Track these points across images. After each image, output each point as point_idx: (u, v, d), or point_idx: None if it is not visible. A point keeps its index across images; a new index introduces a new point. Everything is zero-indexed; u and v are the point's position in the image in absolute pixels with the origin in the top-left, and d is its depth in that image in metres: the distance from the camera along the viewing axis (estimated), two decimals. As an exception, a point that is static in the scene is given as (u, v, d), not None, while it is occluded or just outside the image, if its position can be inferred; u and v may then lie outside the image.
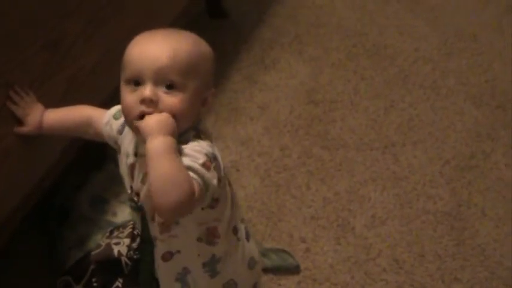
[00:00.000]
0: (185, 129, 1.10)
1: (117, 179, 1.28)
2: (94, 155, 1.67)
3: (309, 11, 2.61)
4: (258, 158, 1.98)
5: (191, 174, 1.03)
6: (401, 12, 2.61)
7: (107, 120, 1.25)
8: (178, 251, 1.20)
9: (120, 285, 1.47)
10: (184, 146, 1.07)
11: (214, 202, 1.15)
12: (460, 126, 2.10)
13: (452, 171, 1.95)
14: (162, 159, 1.02)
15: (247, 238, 1.31)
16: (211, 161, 1.08)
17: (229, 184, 1.25)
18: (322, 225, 1.78)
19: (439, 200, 1.86)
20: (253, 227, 1.74)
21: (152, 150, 1.03)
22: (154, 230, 1.19)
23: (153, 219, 1.17)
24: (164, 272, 1.24)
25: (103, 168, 1.74)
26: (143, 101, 1.07)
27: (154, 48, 1.09)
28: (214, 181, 1.07)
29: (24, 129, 1.31)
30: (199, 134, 1.13)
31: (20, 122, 1.31)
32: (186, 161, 1.05)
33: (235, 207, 1.25)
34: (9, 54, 1.25)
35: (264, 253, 1.64)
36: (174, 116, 1.07)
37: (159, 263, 1.23)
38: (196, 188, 1.03)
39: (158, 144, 1.03)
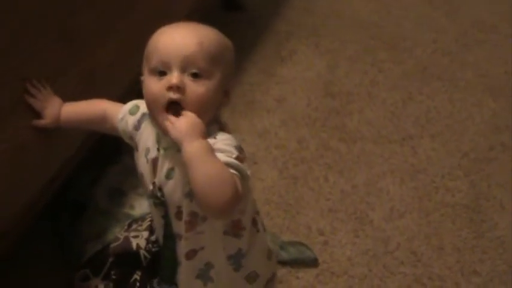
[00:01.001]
0: (208, 122, 1.09)
1: (134, 172, 1.27)
2: (109, 148, 1.67)
3: (325, 3, 2.60)
4: (275, 150, 1.97)
5: (230, 170, 1.04)
6: (418, 3, 2.60)
7: (122, 115, 1.23)
8: (202, 248, 1.20)
9: (138, 278, 1.47)
10: (214, 141, 1.07)
11: None
12: (479, 118, 2.09)
13: (471, 163, 1.93)
14: (204, 162, 1.02)
15: (264, 230, 1.31)
16: (241, 153, 1.08)
17: None
18: (340, 218, 1.78)
19: (457, 193, 1.85)
20: (271, 219, 1.74)
21: (191, 154, 1.02)
22: (177, 227, 1.18)
23: (177, 217, 1.16)
24: (186, 270, 1.23)
25: (119, 161, 1.74)
26: (170, 88, 1.06)
27: (182, 36, 1.09)
28: (249, 172, 1.08)
29: (42, 122, 1.31)
30: (222, 127, 1.13)
31: (37, 116, 1.31)
32: (222, 157, 1.04)
33: (252, 199, 1.25)
34: (23, 47, 1.24)
35: (282, 246, 1.64)
36: (199, 104, 1.07)
37: (181, 261, 1.22)
38: (238, 183, 1.03)
39: (197, 148, 1.02)
